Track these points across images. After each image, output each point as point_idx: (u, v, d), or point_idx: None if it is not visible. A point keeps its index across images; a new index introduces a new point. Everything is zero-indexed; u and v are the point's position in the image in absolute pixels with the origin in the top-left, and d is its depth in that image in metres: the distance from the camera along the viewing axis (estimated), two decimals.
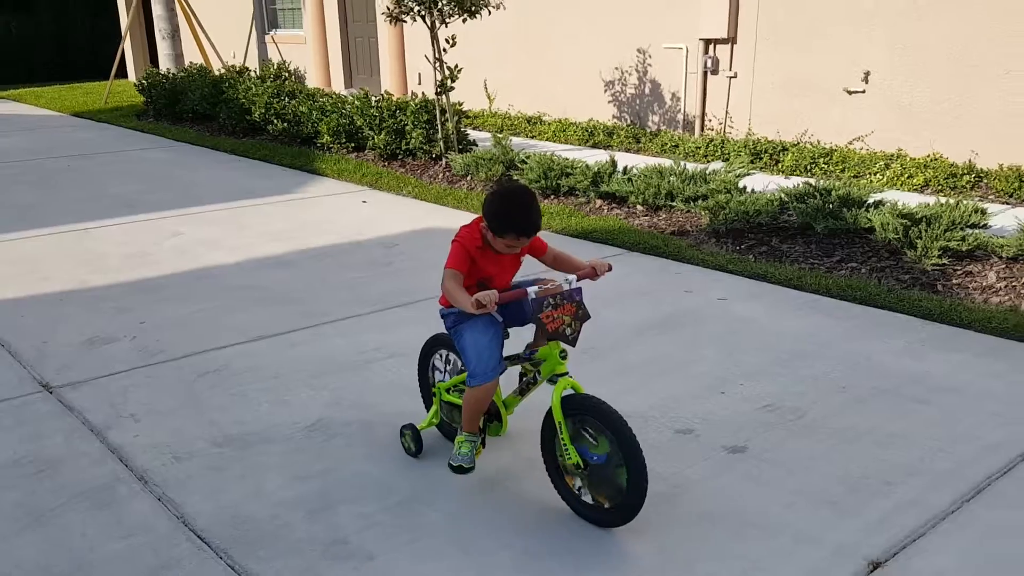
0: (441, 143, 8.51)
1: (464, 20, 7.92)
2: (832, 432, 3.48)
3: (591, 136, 9.63)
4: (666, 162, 7.33)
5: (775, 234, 6.13)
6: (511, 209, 2.85)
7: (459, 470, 2.98)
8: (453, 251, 2.94)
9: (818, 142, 8.09)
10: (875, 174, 7.14)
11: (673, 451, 3.34)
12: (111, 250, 6.30)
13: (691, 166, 7.18)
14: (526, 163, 7.69)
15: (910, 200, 6.12)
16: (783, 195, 6.15)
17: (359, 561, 2.69)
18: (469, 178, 8.12)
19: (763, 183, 6.66)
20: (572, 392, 2.83)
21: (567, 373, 2.86)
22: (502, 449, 3.35)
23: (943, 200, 5.52)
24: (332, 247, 6.32)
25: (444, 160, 8.44)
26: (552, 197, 7.45)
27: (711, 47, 8.82)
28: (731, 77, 8.75)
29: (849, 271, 5.45)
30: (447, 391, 3.29)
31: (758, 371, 4.09)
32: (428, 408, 3.45)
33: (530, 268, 3.30)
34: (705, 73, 8.93)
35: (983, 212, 5.36)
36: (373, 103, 9.22)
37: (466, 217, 7.12)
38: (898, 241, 5.40)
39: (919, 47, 7.34)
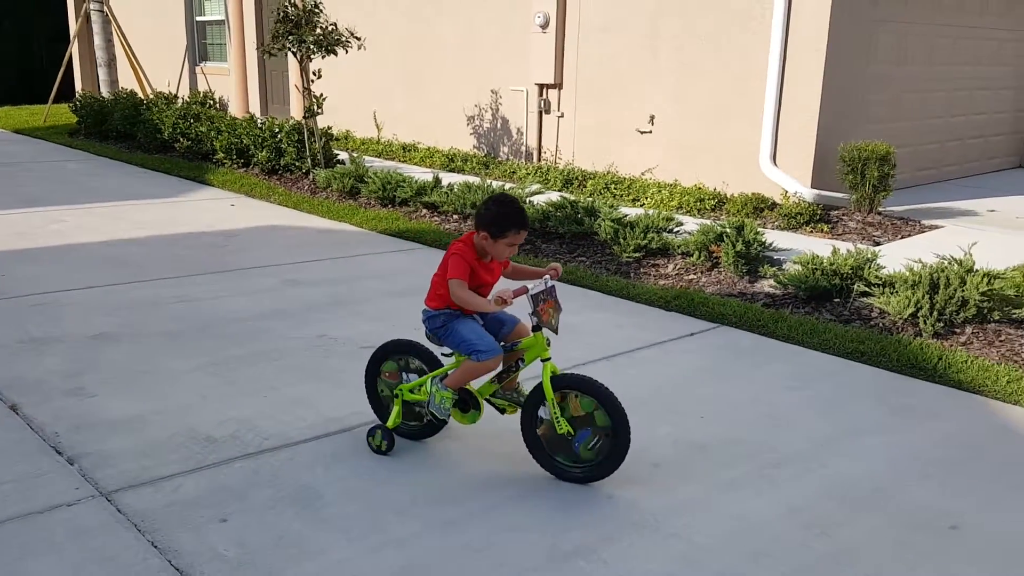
0: (309, 160, 10.00)
1: (323, 56, 9.47)
2: None
3: (451, 162, 11.18)
4: (506, 184, 8.85)
5: (541, 237, 7.64)
6: (507, 210, 3.26)
7: (442, 423, 3.59)
8: (455, 264, 3.25)
9: (618, 172, 9.68)
10: (648, 197, 8.71)
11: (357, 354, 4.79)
12: (2, 231, 7.67)
13: (496, 184, 8.73)
14: (371, 178, 9.19)
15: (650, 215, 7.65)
16: (549, 207, 7.67)
17: (83, 398, 4.10)
18: (329, 189, 9.60)
19: (546, 199, 8.16)
20: (554, 373, 3.30)
21: (550, 358, 3.32)
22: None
23: (649, 212, 7.08)
24: (183, 235, 7.74)
25: (312, 175, 9.92)
26: (389, 205, 8.93)
27: (544, 91, 10.43)
28: (559, 116, 10.36)
29: (578, 263, 6.97)
30: (410, 391, 3.56)
31: None
32: (378, 415, 3.76)
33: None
34: (540, 112, 10.54)
35: (671, 219, 6.93)
36: (258, 124, 10.71)
37: (313, 220, 8.59)
38: (611, 241, 6.94)
39: (689, 96, 9.00)
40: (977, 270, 5.21)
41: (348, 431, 3.83)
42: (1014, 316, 5.11)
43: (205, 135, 11.30)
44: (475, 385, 3.51)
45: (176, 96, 14.01)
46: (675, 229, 7.02)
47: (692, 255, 6.53)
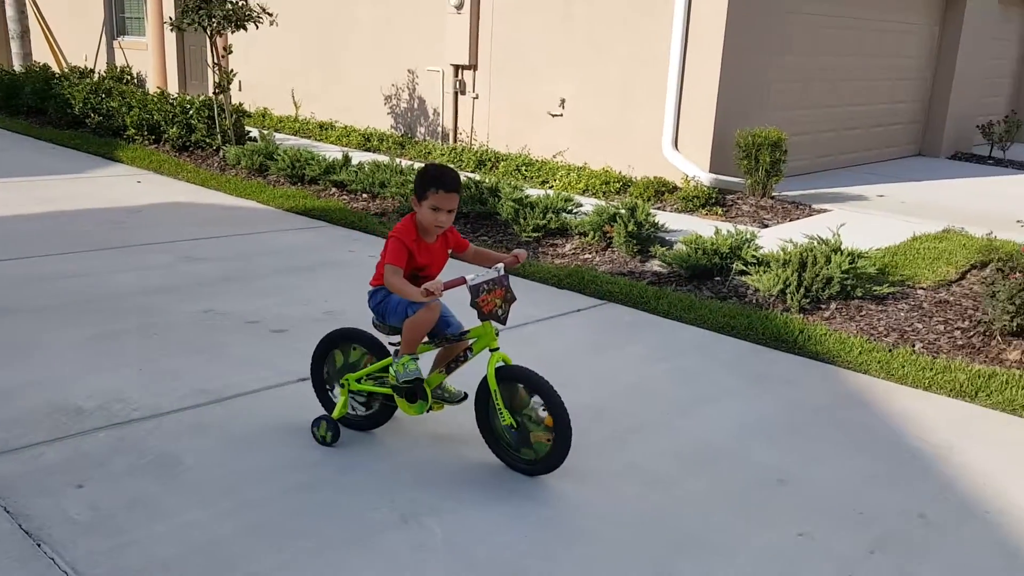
0: (219, 136, 9.92)
1: (232, 32, 9.39)
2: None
3: (368, 141, 11.19)
4: (415, 164, 8.92)
5: None
6: (430, 171, 3.30)
7: (415, 382, 3.35)
8: (391, 247, 3.22)
9: (530, 155, 9.83)
10: (556, 180, 8.89)
11: (241, 328, 4.84)
12: None
13: (406, 163, 8.80)
14: (281, 155, 9.17)
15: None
16: None
17: None
18: (238, 167, 9.54)
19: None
20: (503, 364, 3.28)
21: (499, 348, 3.30)
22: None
23: (550, 193, 7.26)
24: (85, 211, 7.64)
25: (222, 152, 9.84)
26: (298, 184, 8.93)
27: (459, 72, 10.52)
28: (475, 98, 10.46)
29: (480, 242, 7.10)
30: (357, 381, 3.54)
31: (342, 290, 5.60)
32: (324, 405, 3.72)
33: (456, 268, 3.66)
34: (456, 93, 10.62)
35: (569, 200, 7.11)
36: (169, 100, 10.57)
37: (219, 197, 8.54)
38: (512, 220, 7.09)
39: (599, 81, 9.18)
40: (843, 250, 5.49)
41: (218, 402, 3.90)
42: (875, 293, 5.42)
43: (116, 111, 11.09)
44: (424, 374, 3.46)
45: (92, 71, 13.69)
46: (574, 210, 7.20)
47: (588, 235, 6.72)
